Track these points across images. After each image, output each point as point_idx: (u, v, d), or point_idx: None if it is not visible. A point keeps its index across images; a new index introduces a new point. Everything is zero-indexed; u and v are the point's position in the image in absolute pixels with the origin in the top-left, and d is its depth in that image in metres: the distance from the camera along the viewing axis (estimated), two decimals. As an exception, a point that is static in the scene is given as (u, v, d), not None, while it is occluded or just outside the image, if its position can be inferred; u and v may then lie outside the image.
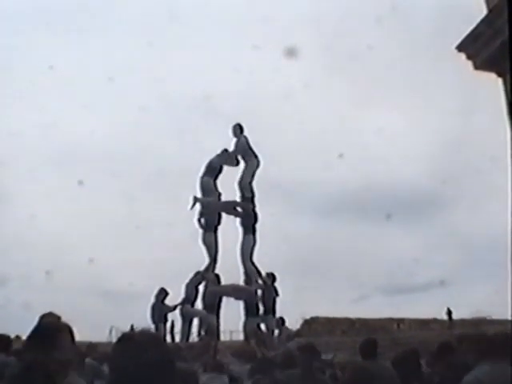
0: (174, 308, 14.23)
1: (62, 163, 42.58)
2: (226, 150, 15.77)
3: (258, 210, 15.43)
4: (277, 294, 14.50)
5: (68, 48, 48.77)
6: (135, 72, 47.63)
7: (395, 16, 49.08)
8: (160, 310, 13.89)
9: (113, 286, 42.93)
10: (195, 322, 14.73)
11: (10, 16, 45.15)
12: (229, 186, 15.77)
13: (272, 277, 14.62)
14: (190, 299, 14.25)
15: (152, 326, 13.71)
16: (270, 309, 14.34)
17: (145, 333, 1.75)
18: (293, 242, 35.62)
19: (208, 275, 14.62)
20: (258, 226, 15.27)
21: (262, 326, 14.42)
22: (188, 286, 14.30)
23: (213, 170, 15.45)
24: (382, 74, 57.65)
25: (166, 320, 14.34)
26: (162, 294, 13.98)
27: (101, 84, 52.52)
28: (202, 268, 14.89)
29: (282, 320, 13.62)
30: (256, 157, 15.46)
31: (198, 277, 14.52)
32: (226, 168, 15.69)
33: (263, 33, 42.83)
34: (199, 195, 15.29)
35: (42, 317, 2.95)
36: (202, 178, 15.38)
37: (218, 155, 15.68)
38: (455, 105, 50.35)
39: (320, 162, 42.97)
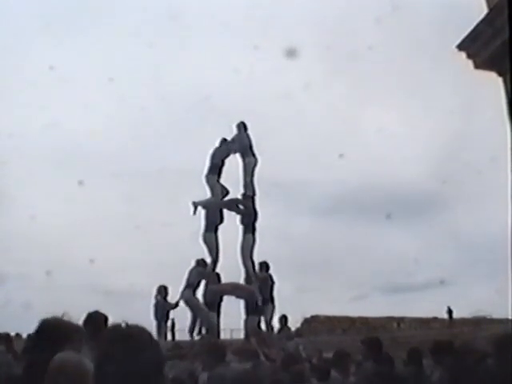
0: (176, 305, 14.19)
1: (62, 163, 42.60)
2: (225, 140, 15.74)
3: (258, 208, 15.43)
4: (272, 282, 14.49)
5: (68, 48, 48.80)
6: (135, 72, 47.76)
7: (395, 16, 49.04)
8: (162, 307, 13.85)
9: (113, 286, 42.96)
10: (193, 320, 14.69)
11: (10, 16, 45.16)
12: (229, 184, 15.78)
13: (266, 266, 14.61)
14: (192, 285, 14.18)
15: (155, 324, 13.75)
16: (268, 298, 14.35)
17: (133, 330, 1.72)
18: (293, 242, 35.70)
19: (209, 274, 14.58)
20: (257, 225, 15.27)
21: (263, 326, 14.41)
22: (191, 272, 14.24)
23: (215, 167, 15.43)
24: (382, 74, 57.71)
25: (167, 318, 14.30)
26: (163, 291, 13.93)
27: (101, 84, 52.50)
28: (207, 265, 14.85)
29: (284, 318, 13.60)
30: (254, 155, 15.45)
31: (201, 269, 14.43)
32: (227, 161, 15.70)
33: (263, 33, 42.94)
34: (208, 194, 15.27)
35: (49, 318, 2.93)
36: (207, 176, 15.37)
37: (218, 148, 15.63)
38: (455, 105, 50.33)
39: (320, 161, 43.07)
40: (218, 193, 15.20)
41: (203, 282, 14.55)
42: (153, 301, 13.97)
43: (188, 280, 14.16)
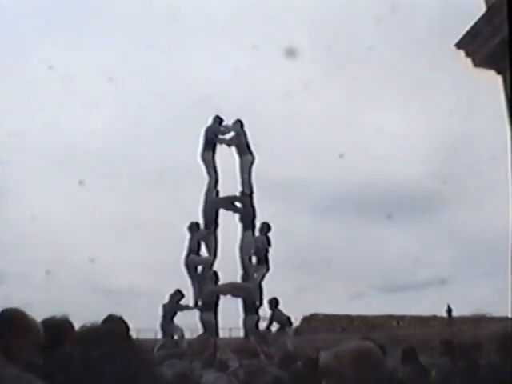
0: (187, 307, 14.30)
1: (62, 163, 42.58)
2: (218, 117, 15.79)
3: (256, 207, 15.47)
4: (269, 245, 14.68)
5: (67, 48, 48.70)
6: (135, 72, 47.59)
7: (395, 16, 48.94)
8: (173, 309, 13.98)
9: (113, 285, 42.99)
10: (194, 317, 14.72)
11: (9, 16, 45.11)
12: (226, 182, 15.78)
13: (267, 227, 14.78)
14: (194, 250, 14.44)
15: (160, 323, 13.89)
16: (263, 259, 14.55)
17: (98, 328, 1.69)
18: (293, 241, 35.67)
19: (207, 273, 14.63)
20: (256, 222, 15.31)
21: (261, 323, 14.46)
22: (192, 238, 14.48)
23: (209, 142, 15.51)
24: (381, 74, 57.66)
25: (172, 319, 14.37)
26: (178, 295, 14.07)
27: (100, 84, 52.44)
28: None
29: (275, 301, 13.72)
30: (251, 153, 15.52)
31: (200, 233, 14.63)
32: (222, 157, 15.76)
33: (263, 32, 42.90)
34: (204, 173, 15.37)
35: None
36: (202, 154, 15.44)
37: (212, 125, 15.68)
38: (455, 103, 50.33)
39: (320, 161, 43.17)
40: (212, 173, 15.27)
41: (204, 273, 14.65)
42: (165, 300, 14.10)
43: (189, 247, 14.44)
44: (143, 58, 53.00)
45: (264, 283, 14.62)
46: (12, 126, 43.44)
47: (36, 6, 53.21)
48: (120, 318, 3.51)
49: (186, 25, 53.44)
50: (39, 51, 44.48)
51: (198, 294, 14.34)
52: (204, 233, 14.63)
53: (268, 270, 14.46)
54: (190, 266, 14.30)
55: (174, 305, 13.92)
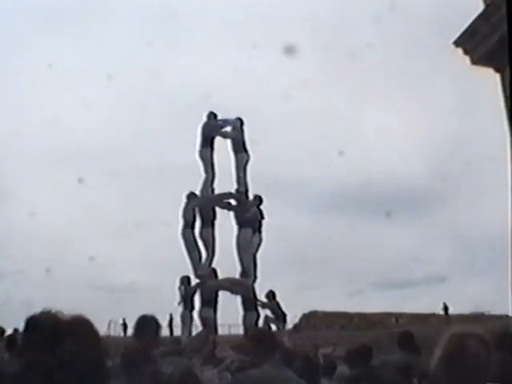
0: (198, 285, 14.43)
1: (61, 161, 42.56)
2: (212, 113, 15.84)
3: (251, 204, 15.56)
4: (262, 217, 14.82)
5: (67, 46, 48.65)
6: (134, 70, 47.53)
7: (394, 14, 48.90)
8: (188, 292, 14.10)
9: (113, 283, 43.04)
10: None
11: (9, 15, 45.06)
12: (222, 180, 15.84)
13: (259, 199, 14.93)
14: (189, 223, 14.59)
15: (181, 314, 14.01)
16: (257, 229, 14.70)
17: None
18: (292, 239, 35.74)
19: (205, 270, 14.69)
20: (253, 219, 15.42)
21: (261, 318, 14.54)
22: (186, 208, 14.63)
23: (207, 139, 15.56)
24: (381, 72, 57.61)
25: (193, 308, 14.44)
26: (185, 281, 14.22)
27: (100, 82, 52.46)
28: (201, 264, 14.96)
29: (272, 293, 13.86)
30: (246, 151, 15.60)
31: (195, 203, 14.73)
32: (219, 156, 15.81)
33: (262, 31, 42.95)
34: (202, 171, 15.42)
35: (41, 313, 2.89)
36: (200, 150, 15.50)
37: (207, 122, 15.73)
38: (454, 101, 50.39)
39: (320, 159, 43.24)
40: (209, 171, 15.34)
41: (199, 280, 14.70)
42: (177, 293, 14.23)
43: (184, 218, 14.51)
44: (143, 56, 53.07)
45: (263, 280, 14.70)
46: (12, 124, 43.47)
47: (35, 4, 53.14)
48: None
49: (186, 23, 53.47)
50: (38, 49, 44.52)
51: (196, 266, 14.43)
52: (201, 204, 14.65)
53: (261, 240, 14.62)
54: (188, 240, 14.38)
55: (187, 291, 14.03)
